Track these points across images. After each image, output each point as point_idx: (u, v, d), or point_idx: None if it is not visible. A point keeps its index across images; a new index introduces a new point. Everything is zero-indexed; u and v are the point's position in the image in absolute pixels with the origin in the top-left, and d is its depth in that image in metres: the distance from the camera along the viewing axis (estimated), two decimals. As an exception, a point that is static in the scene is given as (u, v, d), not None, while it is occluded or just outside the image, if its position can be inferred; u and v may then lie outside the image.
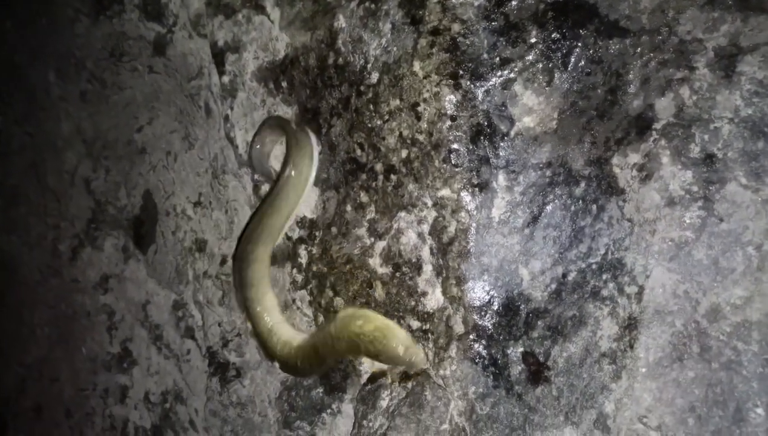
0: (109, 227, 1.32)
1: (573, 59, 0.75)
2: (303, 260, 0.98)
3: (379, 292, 0.88)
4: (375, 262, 0.88)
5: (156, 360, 1.24)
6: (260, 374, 1.04)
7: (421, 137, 0.81)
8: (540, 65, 0.76)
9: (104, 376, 1.33)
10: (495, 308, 0.76)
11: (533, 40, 0.76)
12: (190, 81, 1.13)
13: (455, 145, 0.79)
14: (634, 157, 0.70)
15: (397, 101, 0.82)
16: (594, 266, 0.71)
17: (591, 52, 0.75)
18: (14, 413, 1.53)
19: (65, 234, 1.40)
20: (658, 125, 0.70)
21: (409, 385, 0.83)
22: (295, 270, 1.00)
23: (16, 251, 1.48)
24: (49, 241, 1.42)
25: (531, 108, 0.77)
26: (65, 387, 1.41)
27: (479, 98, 0.78)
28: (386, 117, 0.84)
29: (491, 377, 0.76)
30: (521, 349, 0.74)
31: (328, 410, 0.95)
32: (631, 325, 0.67)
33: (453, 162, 0.79)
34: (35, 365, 1.46)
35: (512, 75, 0.77)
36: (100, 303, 1.34)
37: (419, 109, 0.80)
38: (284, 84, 0.98)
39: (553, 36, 0.76)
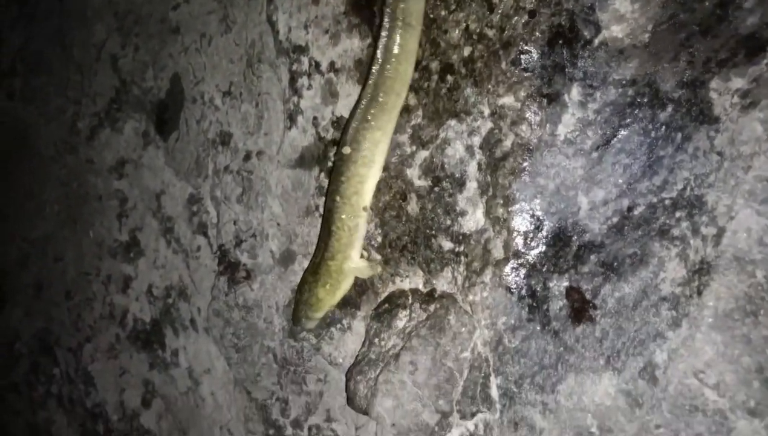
0: (131, 109, 1.24)
1: (683, -38, 0.64)
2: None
3: (412, 206, 0.80)
4: (413, 173, 0.80)
5: (164, 253, 1.18)
6: (271, 278, 0.97)
7: (490, 33, 0.71)
8: (642, -34, 0.66)
9: (109, 262, 1.28)
10: (543, 235, 0.67)
11: (639, -65, 0.65)
12: (236, -45, 1.03)
13: (528, 47, 0.69)
14: (738, 82, 0.60)
15: (469, -11, 0.72)
16: (667, 202, 0.62)
17: (705, -44, 0.64)
18: (14, 288, 1.49)
19: (85, 111, 1.32)
20: (776, 45, 0.60)
21: (432, 308, 0.75)
22: (322, 175, 0.92)
23: (33, 121, 1.41)
24: (68, 116, 1.35)
25: (623, 15, 0.66)
26: (68, 268, 1.36)
27: (565, -4, 0.67)
28: (453, 6, 0.74)
29: (526, 309, 0.68)
30: (566, 283, 0.66)
31: (338, 325, 0.88)
32: (702, 270, 0.59)
33: (523, 65, 0.69)
34: (40, 242, 1.41)
35: (607, -27, 0.66)
36: (113, 188, 1.28)
37: None
38: (340, -36, 0.88)
39: (663, -68, 0.64)
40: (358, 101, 0.76)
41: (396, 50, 0.72)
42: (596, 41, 0.67)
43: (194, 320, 1.11)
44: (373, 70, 0.74)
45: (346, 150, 0.76)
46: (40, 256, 1.42)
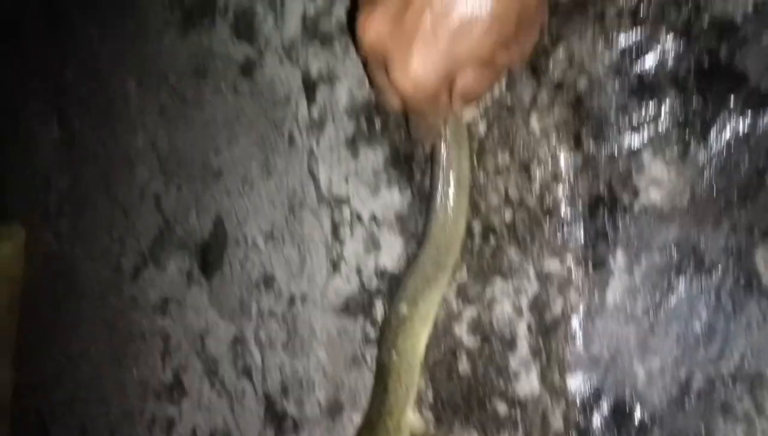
0: (175, 248, 1.28)
1: (714, 131, 0.66)
2: (378, 313, 0.91)
3: (463, 364, 0.80)
4: (461, 330, 0.80)
5: (208, 395, 1.18)
6: (319, 432, 0.97)
7: (530, 200, 0.73)
8: (675, 134, 0.67)
9: (152, 404, 1.28)
10: (604, 407, 0.67)
11: (669, 105, 0.68)
12: (275, 108, 1.08)
13: (569, 214, 0.70)
14: (787, 253, 0.61)
15: (507, 157, 0.75)
16: (725, 374, 0.61)
17: (737, 124, 0.66)
18: (59, 429, 1.50)
19: (130, 250, 1.37)
20: (820, 220, 0.61)
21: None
22: (368, 323, 0.93)
23: (79, 262, 1.46)
24: (113, 255, 1.39)
25: (660, 181, 0.68)
26: (112, 409, 1.37)
27: (602, 164, 0.69)
28: (492, 172, 0.77)
29: (593, 486, 0.66)
30: (632, 459, 0.65)
31: (392, 483, 0.87)
32: (774, 455, 0.57)
33: (565, 232, 0.71)
34: (85, 382, 1.43)
35: (642, 141, 0.69)
36: (157, 326, 1.30)
37: (532, 168, 0.73)
38: (378, 123, 0.92)
39: (693, 102, 0.67)
40: (416, 258, 0.77)
41: (453, 210, 0.74)
42: (636, 206, 0.69)
43: (241, 466, 1.10)
44: (432, 229, 0.75)
45: (403, 308, 0.77)
46: (85, 396, 1.43)
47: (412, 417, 0.80)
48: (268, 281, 1.09)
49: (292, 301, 1.04)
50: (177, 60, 1.26)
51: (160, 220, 1.32)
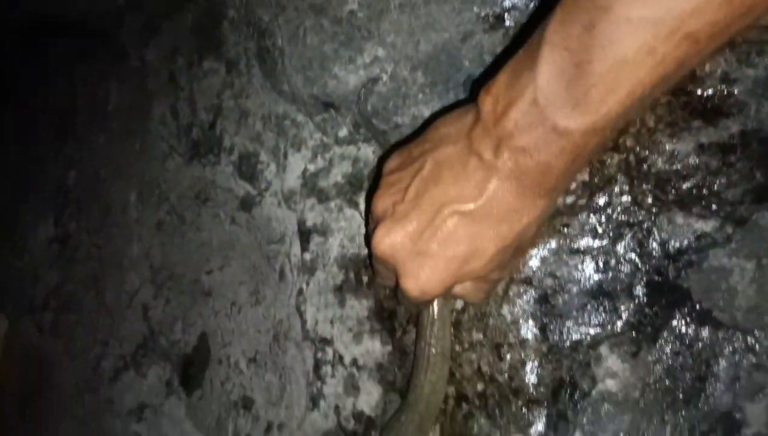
0: (157, 357, 1.33)
1: (662, 337, 0.77)
2: (353, 455, 0.97)
3: None
4: (431, 484, 0.87)
5: (177, 509, 1.21)
6: None
7: (500, 378, 0.82)
8: (628, 335, 0.78)
9: (119, 510, 1.30)
10: None
11: (623, 311, 0.78)
12: (269, 243, 1.17)
13: (535, 395, 0.80)
14: (720, 466, 0.70)
15: (480, 335, 0.84)
16: None
17: (681, 333, 0.77)
18: None
19: (112, 353, 1.41)
20: (748, 431, 0.71)
21: None
22: (342, 463, 0.99)
23: (58, 357, 1.49)
24: (94, 356, 1.43)
25: (615, 372, 0.78)
26: (76, 510, 1.37)
27: (565, 353, 0.79)
28: (466, 345, 0.86)
29: None
30: None
31: None
32: None
33: (531, 411, 0.80)
34: (50, 480, 1.44)
35: (599, 337, 0.79)
36: (131, 430, 1.33)
37: (502, 350, 0.82)
38: (365, 278, 1.01)
39: (644, 311, 0.78)
40: (399, 419, 0.84)
41: (437, 380, 0.82)
42: (594, 393, 0.78)
43: None
44: (417, 397, 0.82)
45: None
46: (49, 493, 1.43)
47: None
48: (247, 403, 1.15)
49: (269, 428, 1.10)
50: (179, 183, 1.35)
51: (146, 328, 1.37)
